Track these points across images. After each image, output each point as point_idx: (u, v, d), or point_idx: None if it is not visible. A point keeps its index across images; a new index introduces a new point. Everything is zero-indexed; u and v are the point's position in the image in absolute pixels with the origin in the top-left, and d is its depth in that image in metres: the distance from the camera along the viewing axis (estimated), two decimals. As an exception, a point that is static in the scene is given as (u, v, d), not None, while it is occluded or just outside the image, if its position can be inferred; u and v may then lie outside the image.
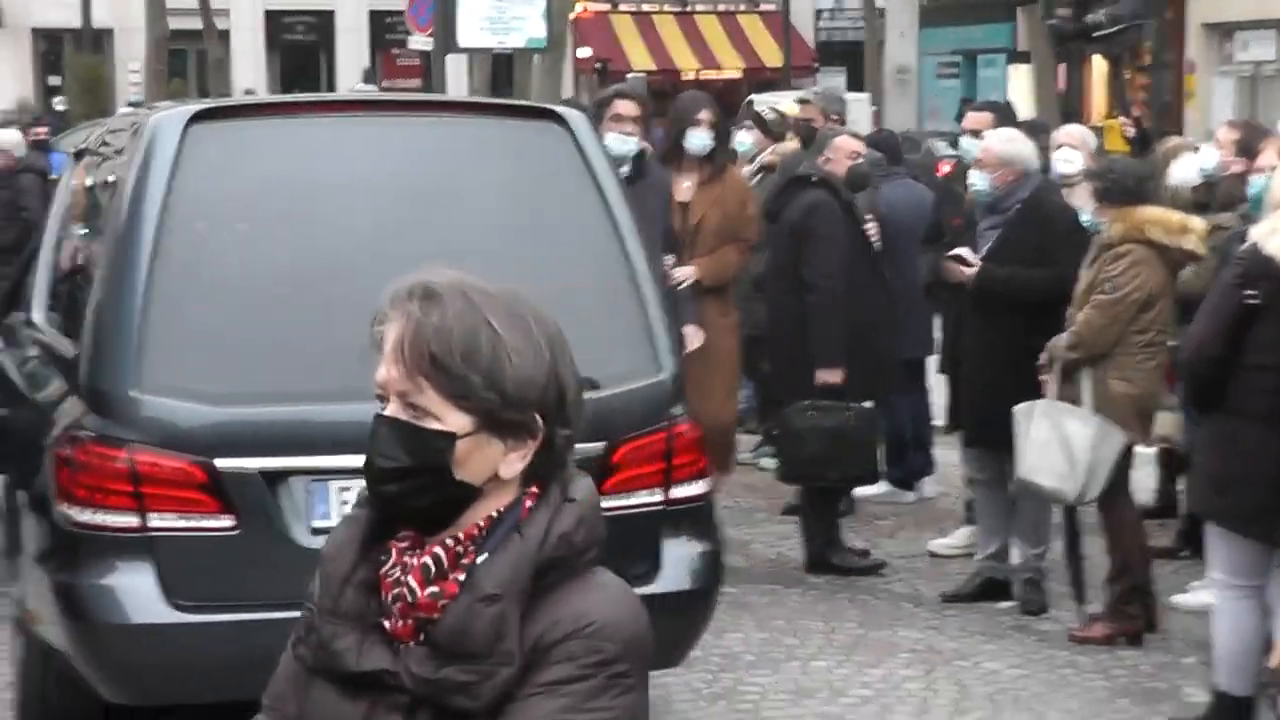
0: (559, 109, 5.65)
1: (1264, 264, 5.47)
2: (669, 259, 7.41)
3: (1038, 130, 9.07)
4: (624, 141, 7.44)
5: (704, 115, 8.24)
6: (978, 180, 7.33)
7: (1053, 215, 7.39)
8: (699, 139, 8.19)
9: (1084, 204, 7.22)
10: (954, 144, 11.14)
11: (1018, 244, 7.23)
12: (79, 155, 6.66)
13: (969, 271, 7.23)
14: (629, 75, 38.19)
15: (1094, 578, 7.22)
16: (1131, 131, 9.65)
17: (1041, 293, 7.10)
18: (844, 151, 8.14)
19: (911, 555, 8.31)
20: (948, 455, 9.28)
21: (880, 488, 9.25)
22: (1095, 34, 10.22)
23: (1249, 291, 5.53)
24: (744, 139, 10.68)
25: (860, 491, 8.89)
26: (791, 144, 10.16)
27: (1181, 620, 7.20)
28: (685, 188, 8.13)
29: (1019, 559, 7.49)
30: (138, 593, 4.82)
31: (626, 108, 7.67)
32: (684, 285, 7.72)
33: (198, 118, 5.21)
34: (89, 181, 6.13)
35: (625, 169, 6.90)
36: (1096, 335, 6.82)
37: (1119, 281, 6.82)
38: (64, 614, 4.92)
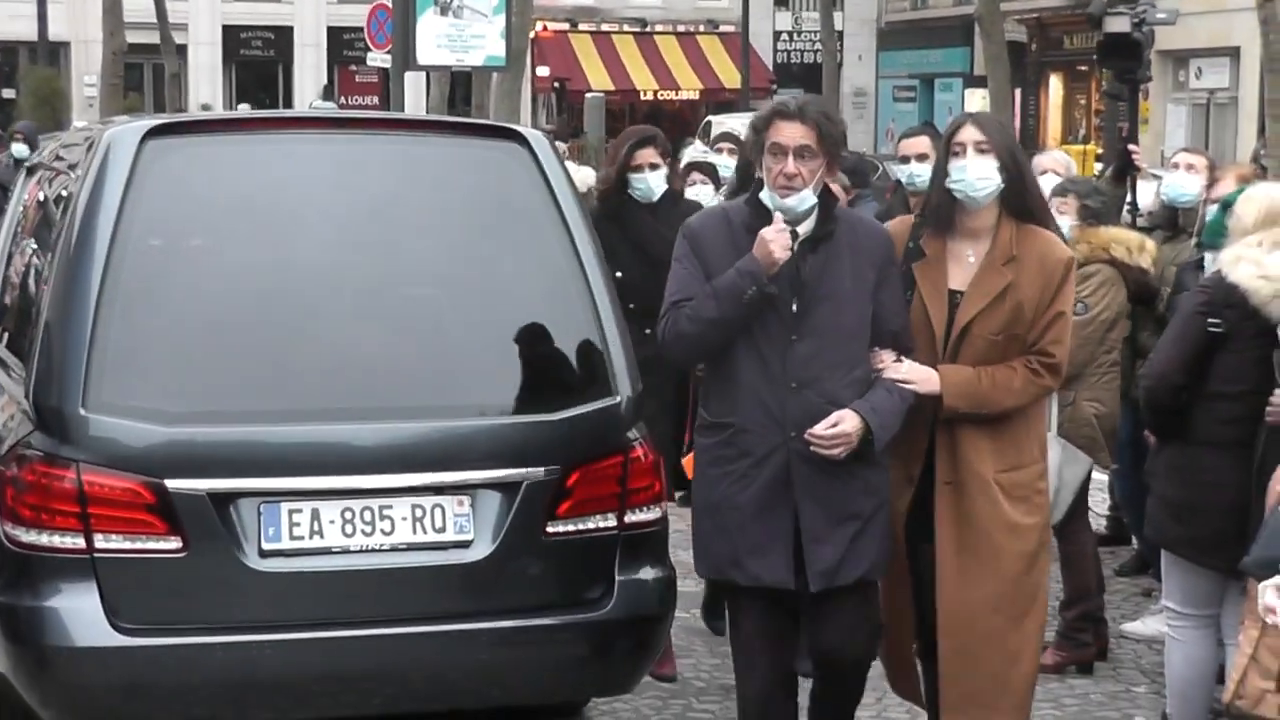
0: (521, 129, 5.61)
1: (1228, 292, 5.47)
2: (886, 353, 5.05)
3: None
4: (791, 195, 4.93)
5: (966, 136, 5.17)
6: None
7: None
8: (983, 183, 5.10)
9: (1056, 210, 7.11)
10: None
11: None
12: (31, 170, 6.59)
13: None
14: (588, 95, 38.23)
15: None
16: (1142, 163, 9.51)
17: None
18: None
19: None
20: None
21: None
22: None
23: (1213, 320, 5.53)
24: (727, 162, 9.71)
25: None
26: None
27: (1133, 649, 7.20)
28: (968, 260, 5.16)
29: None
30: (82, 615, 4.73)
31: (792, 133, 4.95)
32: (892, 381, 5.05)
33: (153, 133, 5.15)
34: (41, 196, 6.06)
35: (804, 225, 4.95)
36: (1071, 356, 6.83)
37: (1090, 301, 6.84)
38: (6, 636, 4.83)
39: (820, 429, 4.87)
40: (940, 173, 5.19)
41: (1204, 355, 5.56)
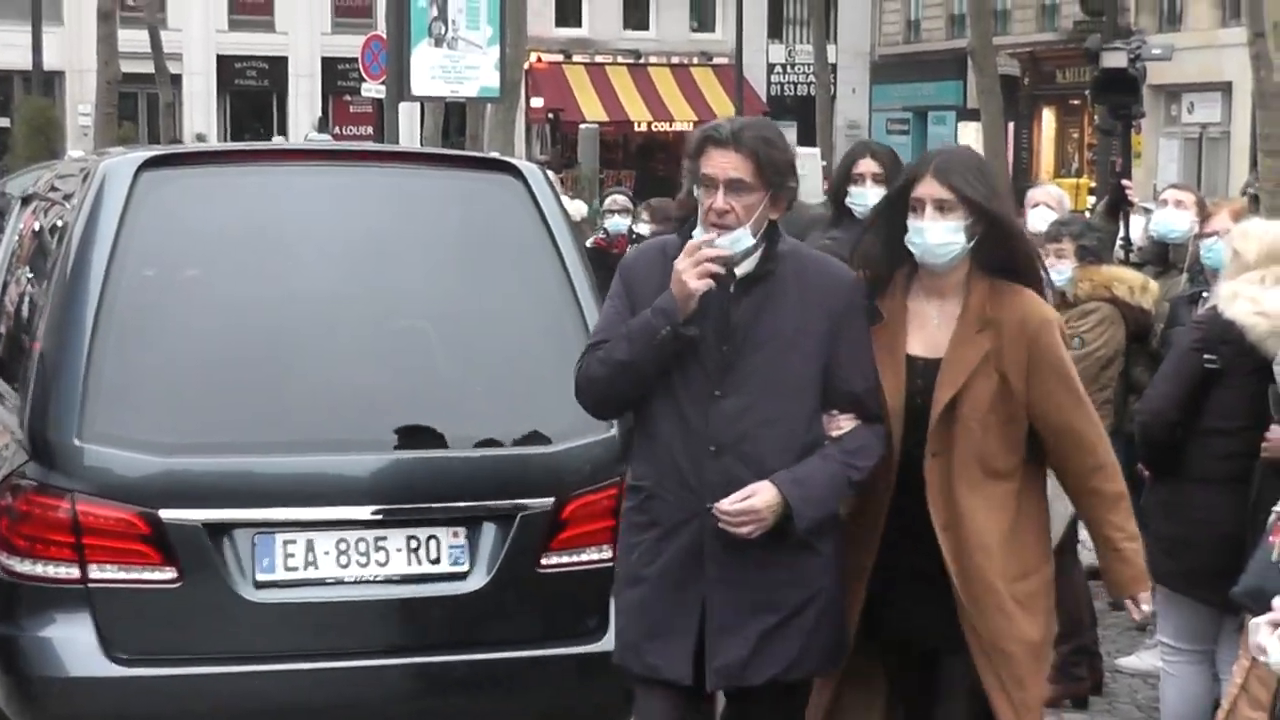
0: (515, 161, 5.62)
1: (1224, 328, 5.49)
2: (844, 418, 4.37)
3: None
4: (723, 234, 4.26)
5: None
6: None
7: None
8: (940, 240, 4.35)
9: (1052, 256, 7.11)
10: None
11: None
12: (26, 200, 6.60)
13: None
14: (581, 126, 38.30)
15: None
16: (1135, 197, 9.55)
17: None
18: None
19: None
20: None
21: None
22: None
23: (1209, 356, 5.54)
24: None
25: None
26: None
27: (1128, 683, 7.20)
28: (931, 322, 4.45)
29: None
30: (76, 645, 4.72)
31: (724, 162, 4.25)
32: None
33: (149, 164, 5.16)
34: (36, 226, 6.07)
35: (742, 266, 4.29)
36: None
37: (1088, 337, 6.87)
38: (0, 666, 4.83)
39: (727, 502, 4.17)
40: (890, 222, 4.41)
41: (1199, 391, 5.57)
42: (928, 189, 4.31)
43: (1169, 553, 5.71)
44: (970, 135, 37.84)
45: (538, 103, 42.73)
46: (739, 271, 4.27)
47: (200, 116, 43.03)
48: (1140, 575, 4.49)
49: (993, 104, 29.00)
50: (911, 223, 4.33)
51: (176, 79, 39.65)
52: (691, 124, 44.88)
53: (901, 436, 4.38)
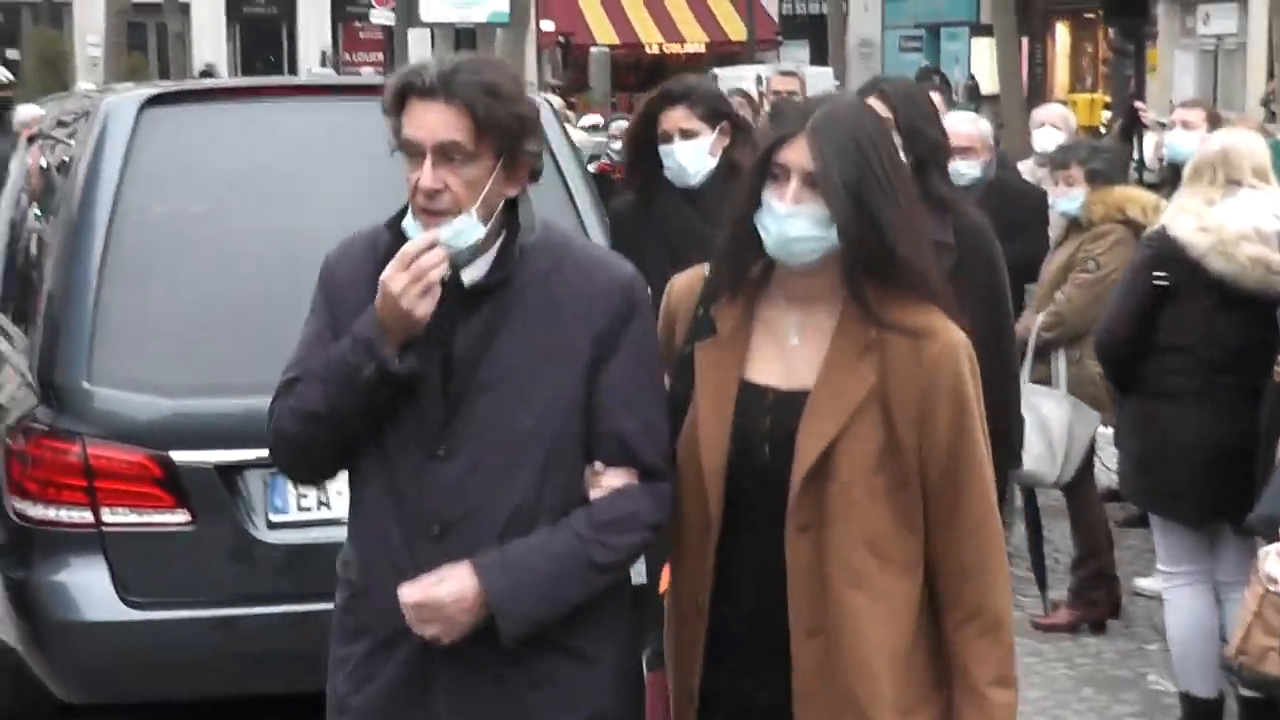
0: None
1: (1171, 245, 5.49)
2: (611, 473, 3.02)
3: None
4: (439, 221, 2.95)
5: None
6: (973, 169, 6.95)
7: (1022, 190, 7.44)
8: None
9: (1062, 183, 7.09)
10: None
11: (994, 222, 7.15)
12: (32, 138, 6.57)
13: None
14: (592, 49, 38.16)
15: (1054, 562, 7.21)
16: (1149, 118, 9.48)
17: (1014, 269, 7.00)
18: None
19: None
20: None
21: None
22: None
23: (1158, 273, 5.54)
24: None
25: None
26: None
27: (1145, 605, 7.19)
28: (789, 341, 3.03)
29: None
30: (91, 589, 4.74)
31: (431, 119, 2.95)
32: None
33: (151, 102, 5.13)
34: (43, 163, 6.05)
35: (471, 269, 3.00)
36: (1079, 314, 6.83)
37: (1102, 260, 6.86)
38: (16, 611, 4.85)
39: (408, 590, 2.91)
40: (747, 196, 2.97)
41: (1152, 309, 5.57)
42: (796, 154, 2.93)
43: (1138, 469, 5.74)
44: (984, 51, 37.61)
45: (548, 26, 42.50)
46: (465, 279, 3.00)
47: (210, 46, 42.88)
48: None
49: (1006, 19, 28.80)
50: (767, 197, 2.95)
51: (185, 8, 39.47)
52: (704, 45, 44.70)
53: (723, 502, 2.98)
